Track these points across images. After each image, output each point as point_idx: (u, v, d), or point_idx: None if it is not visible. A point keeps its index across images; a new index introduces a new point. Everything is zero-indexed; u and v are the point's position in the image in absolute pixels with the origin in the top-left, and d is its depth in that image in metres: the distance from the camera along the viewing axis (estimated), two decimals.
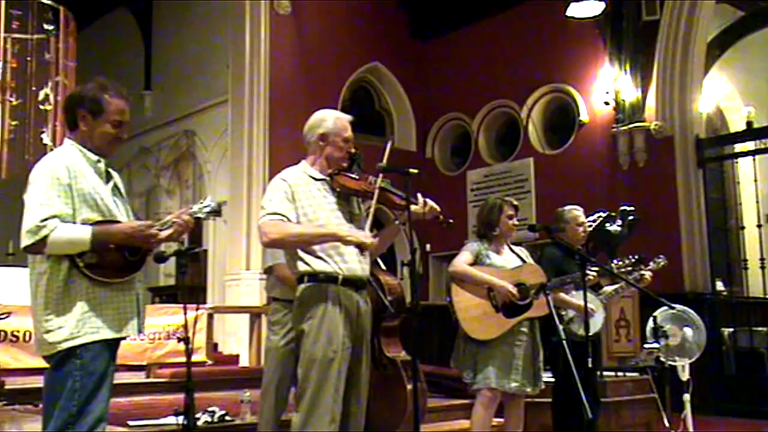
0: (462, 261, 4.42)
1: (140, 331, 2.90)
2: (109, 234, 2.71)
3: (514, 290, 4.30)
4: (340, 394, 3.20)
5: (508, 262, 4.48)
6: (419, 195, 3.43)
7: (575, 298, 4.61)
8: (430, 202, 3.41)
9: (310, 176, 3.40)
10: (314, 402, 3.15)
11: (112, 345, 2.79)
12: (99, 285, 2.72)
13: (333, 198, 3.38)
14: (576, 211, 4.93)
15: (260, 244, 3.29)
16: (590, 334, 4.41)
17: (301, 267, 3.29)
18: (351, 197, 3.47)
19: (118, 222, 2.79)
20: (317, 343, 3.19)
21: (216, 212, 3.06)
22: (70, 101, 2.93)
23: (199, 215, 3.00)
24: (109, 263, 2.72)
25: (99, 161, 2.84)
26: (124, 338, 2.83)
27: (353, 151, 3.46)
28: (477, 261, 4.44)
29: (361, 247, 3.25)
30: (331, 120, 3.43)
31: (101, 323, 2.71)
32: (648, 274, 4.87)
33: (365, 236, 3.24)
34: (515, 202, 4.61)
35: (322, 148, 3.41)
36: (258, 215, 3.44)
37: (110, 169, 2.91)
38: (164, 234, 2.85)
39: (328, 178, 3.40)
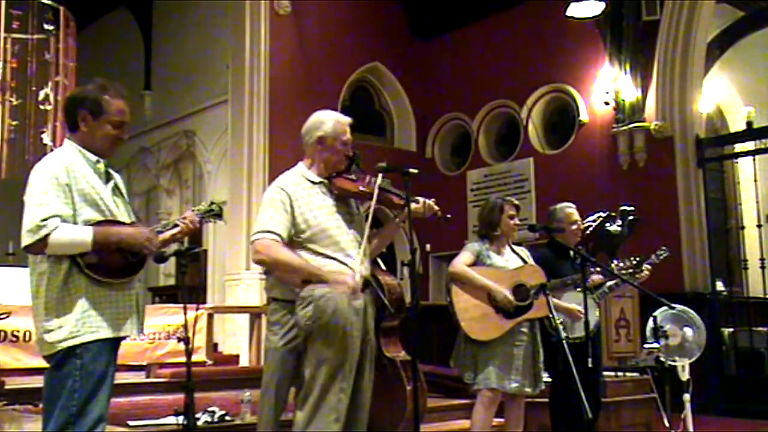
0: (462, 262, 4.41)
1: (140, 331, 2.91)
2: (110, 235, 2.71)
3: (511, 297, 4.29)
4: (347, 394, 3.21)
5: (508, 263, 4.47)
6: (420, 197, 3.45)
7: (563, 300, 4.59)
8: (428, 201, 3.43)
9: (308, 180, 3.39)
10: (320, 401, 3.17)
11: (113, 345, 2.79)
12: (99, 285, 2.72)
13: (331, 200, 3.37)
14: (568, 209, 4.83)
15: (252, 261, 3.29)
16: (579, 335, 4.41)
17: None
18: (350, 198, 3.47)
19: (120, 222, 2.79)
20: (325, 343, 3.20)
21: (218, 215, 3.07)
22: (70, 103, 2.92)
23: (203, 216, 3.01)
24: (109, 264, 2.72)
25: (98, 162, 2.84)
26: (123, 338, 2.83)
27: (351, 153, 3.44)
28: (478, 261, 4.43)
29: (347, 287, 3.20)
30: (329, 123, 3.41)
31: (100, 323, 2.71)
32: (646, 271, 4.82)
33: (352, 279, 3.19)
34: (516, 202, 4.60)
35: (320, 151, 3.40)
36: (257, 216, 3.44)
37: (110, 170, 2.91)
38: (167, 235, 2.87)
39: (326, 181, 3.39)
